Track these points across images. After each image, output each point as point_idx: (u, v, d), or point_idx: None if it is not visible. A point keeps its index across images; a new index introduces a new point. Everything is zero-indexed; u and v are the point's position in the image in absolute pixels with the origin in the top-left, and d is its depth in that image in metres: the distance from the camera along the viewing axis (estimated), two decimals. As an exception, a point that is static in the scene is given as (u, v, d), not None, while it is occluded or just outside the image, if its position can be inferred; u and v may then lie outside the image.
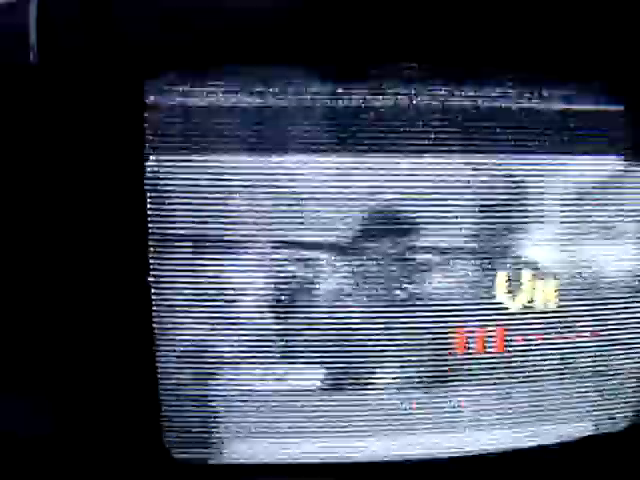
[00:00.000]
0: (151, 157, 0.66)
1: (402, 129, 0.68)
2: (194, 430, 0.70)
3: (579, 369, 0.74)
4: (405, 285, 0.70)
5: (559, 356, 0.73)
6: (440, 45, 0.67)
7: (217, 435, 0.71)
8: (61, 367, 0.68)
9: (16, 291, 0.70)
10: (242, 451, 0.70)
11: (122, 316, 0.67)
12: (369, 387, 0.70)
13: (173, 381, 0.69)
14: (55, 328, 0.68)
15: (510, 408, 0.74)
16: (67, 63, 0.62)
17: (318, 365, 0.70)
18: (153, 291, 0.67)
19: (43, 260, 0.67)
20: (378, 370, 0.70)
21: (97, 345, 0.67)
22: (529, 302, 0.72)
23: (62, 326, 0.67)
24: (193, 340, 0.69)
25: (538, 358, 0.73)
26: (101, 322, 0.67)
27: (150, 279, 0.67)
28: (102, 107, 0.64)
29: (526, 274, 0.71)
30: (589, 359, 0.74)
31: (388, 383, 0.71)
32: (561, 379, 0.74)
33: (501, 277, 0.71)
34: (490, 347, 0.72)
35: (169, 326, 0.68)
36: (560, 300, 0.72)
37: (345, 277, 0.69)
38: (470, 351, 0.71)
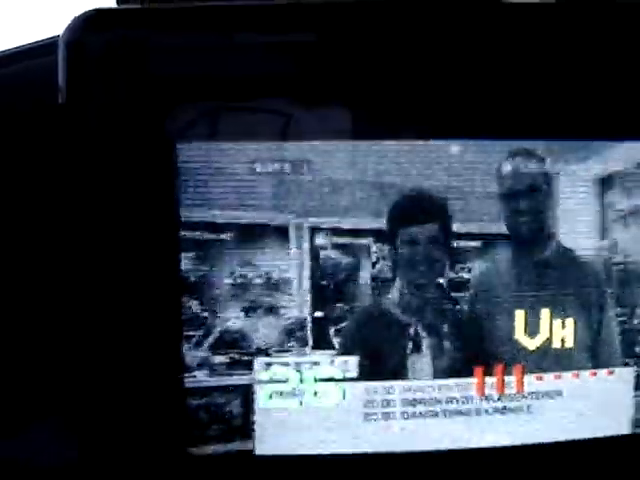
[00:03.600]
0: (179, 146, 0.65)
1: (437, 112, 0.67)
2: (225, 426, 0.69)
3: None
4: (442, 272, 0.70)
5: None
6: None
7: (251, 428, 0.69)
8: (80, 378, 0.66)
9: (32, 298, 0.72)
10: (275, 443, 0.69)
11: (150, 309, 0.65)
12: (406, 376, 0.70)
13: (201, 377, 0.68)
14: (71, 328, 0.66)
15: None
16: (95, 102, 0.64)
17: (355, 354, 0.69)
18: (183, 279, 0.67)
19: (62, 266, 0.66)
20: (416, 359, 0.70)
21: (120, 349, 0.65)
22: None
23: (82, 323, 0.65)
24: (226, 331, 0.68)
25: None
26: (126, 316, 0.65)
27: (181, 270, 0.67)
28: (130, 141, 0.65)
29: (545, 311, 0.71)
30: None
31: (426, 371, 0.70)
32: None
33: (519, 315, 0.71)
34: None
35: (200, 317, 0.68)
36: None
37: (382, 263, 0.69)
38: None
